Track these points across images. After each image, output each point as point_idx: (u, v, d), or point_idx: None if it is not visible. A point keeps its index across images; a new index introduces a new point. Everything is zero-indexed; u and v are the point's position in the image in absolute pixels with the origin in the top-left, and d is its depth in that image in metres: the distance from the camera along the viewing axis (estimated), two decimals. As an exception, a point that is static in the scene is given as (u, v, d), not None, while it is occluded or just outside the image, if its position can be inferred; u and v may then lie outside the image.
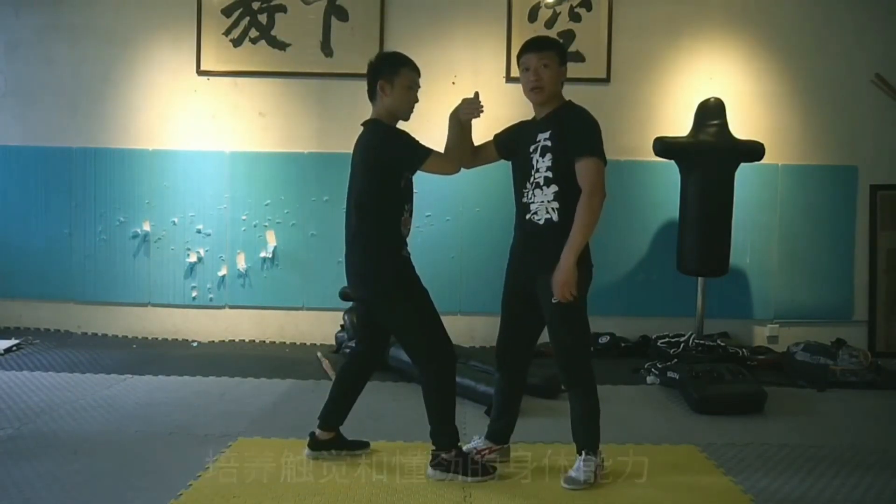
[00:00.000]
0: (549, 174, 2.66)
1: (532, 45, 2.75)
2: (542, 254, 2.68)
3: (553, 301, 2.64)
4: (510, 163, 2.88)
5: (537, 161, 2.69)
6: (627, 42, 5.19)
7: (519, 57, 2.79)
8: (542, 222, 2.69)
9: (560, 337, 2.72)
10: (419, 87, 2.85)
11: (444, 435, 2.76)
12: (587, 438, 2.74)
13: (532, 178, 2.71)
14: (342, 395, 2.97)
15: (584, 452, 2.72)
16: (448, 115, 2.83)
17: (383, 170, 2.73)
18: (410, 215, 2.82)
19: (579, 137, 2.64)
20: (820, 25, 5.20)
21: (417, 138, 2.80)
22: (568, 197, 2.64)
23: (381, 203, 2.75)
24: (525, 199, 2.75)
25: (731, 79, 5.18)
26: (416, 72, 2.83)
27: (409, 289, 2.76)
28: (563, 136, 2.66)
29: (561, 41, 2.81)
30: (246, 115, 5.26)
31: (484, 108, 2.78)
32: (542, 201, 2.69)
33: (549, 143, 2.67)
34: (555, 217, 2.67)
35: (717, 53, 5.21)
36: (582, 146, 2.62)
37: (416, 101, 2.85)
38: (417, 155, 2.72)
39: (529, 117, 2.88)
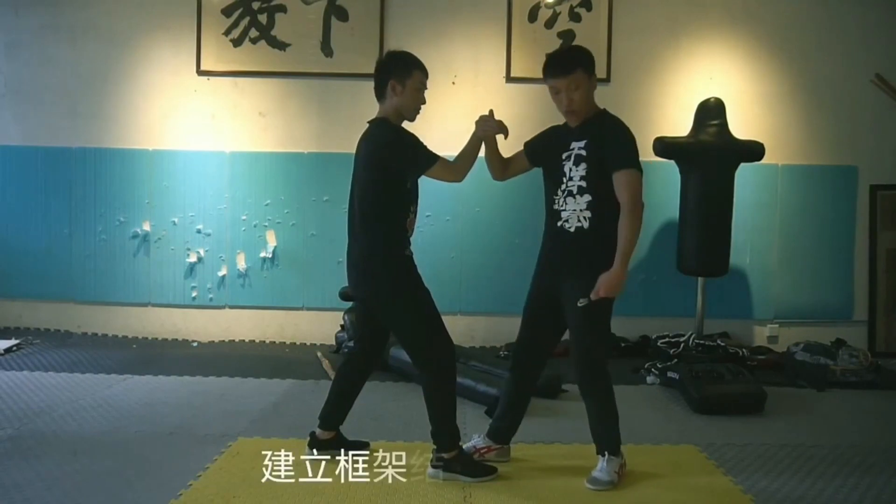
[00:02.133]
0: (583, 183, 2.65)
1: (558, 69, 2.67)
2: (572, 261, 2.68)
3: (579, 304, 2.65)
4: (541, 169, 2.85)
5: (570, 169, 2.68)
6: (627, 42, 5.19)
7: (545, 75, 2.73)
8: (572, 230, 2.69)
9: (581, 339, 2.72)
10: (427, 88, 2.84)
11: (444, 434, 2.76)
12: (608, 439, 2.75)
13: (564, 186, 2.70)
14: (341, 394, 2.97)
15: (606, 453, 2.73)
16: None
17: (390, 170, 2.73)
18: (415, 216, 2.83)
19: (618, 150, 2.62)
20: (820, 25, 5.20)
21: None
22: (601, 206, 2.64)
23: (386, 203, 2.75)
24: (556, 207, 2.74)
25: (731, 79, 5.18)
26: (426, 74, 2.82)
27: (412, 288, 2.75)
28: (600, 146, 2.64)
29: (583, 51, 2.76)
30: (246, 115, 5.26)
31: (504, 126, 2.81)
32: (574, 209, 2.68)
33: (583, 153, 2.66)
34: (586, 225, 2.66)
35: (717, 53, 5.21)
36: (621, 159, 2.61)
37: (424, 102, 2.84)
38: (423, 160, 2.72)
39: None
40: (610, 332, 2.77)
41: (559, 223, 2.73)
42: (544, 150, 2.82)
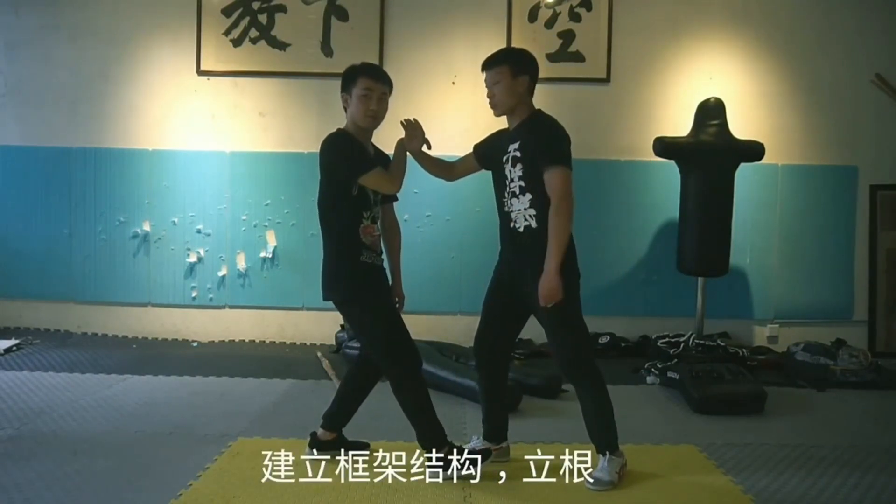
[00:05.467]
0: (522, 183, 2.71)
1: (485, 63, 2.80)
2: (528, 260, 2.72)
3: (548, 305, 2.66)
4: (491, 173, 2.90)
5: (510, 171, 2.75)
6: (627, 42, 5.19)
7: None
8: (522, 230, 2.74)
9: (559, 339, 2.74)
10: (382, 93, 2.80)
11: (427, 436, 2.77)
12: (606, 438, 2.76)
13: (508, 188, 2.77)
14: (349, 397, 2.98)
15: (608, 453, 2.74)
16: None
17: (330, 178, 2.77)
18: (373, 222, 2.81)
19: (544, 148, 2.67)
20: (820, 25, 5.20)
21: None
22: (543, 203, 2.69)
23: (335, 210, 2.77)
24: (506, 209, 2.80)
25: (731, 79, 5.18)
26: (375, 79, 2.79)
27: (368, 295, 2.76)
28: (531, 146, 2.69)
29: (516, 51, 2.88)
30: (246, 115, 5.26)
31: (428, 141, 2.88)
32: (520, 209, 2.74)
33: (518, 154, 2.72)
34: (533, 224, 2.71)
35: (717, 53, 5.21)
36: (547, 156, 2.65)
37: (376, 108, 2.79)
38: (351, 169, 2.72)
39: None
40: (585, 327, 2.76)
41: (511, 224, 2.78)
42: (490, 155, 2.88)
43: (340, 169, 2.74)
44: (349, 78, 2.81)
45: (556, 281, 2.59)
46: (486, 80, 2.79)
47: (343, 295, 2.79)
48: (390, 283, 2.94)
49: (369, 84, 2.78)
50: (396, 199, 2.99)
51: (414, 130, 2.88)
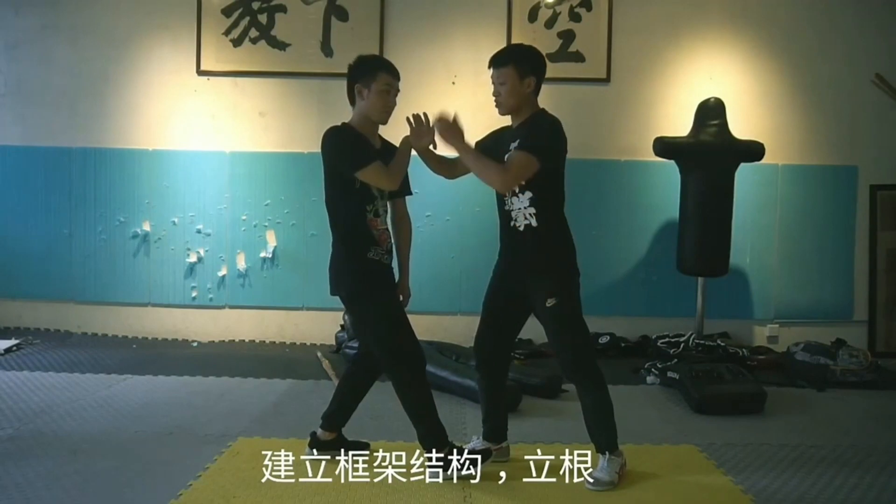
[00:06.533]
0: (523, 182, 2.69)
1: (492, 62, 2.77)
2: (528, 259, 2.73)
3: (547, 305, 2.67)
4: None
5: None
6: (627, 42, 5.19)
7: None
8: (522, 228, 2.74)
9: (560, 338, 2.74)
10: (398, 91, 2.81)
11: (428, 436, 2.76)
12: (606, 437, 2.76)
13: None
14: (347, 395, 2.98)
15: (607, 453, 2.74)
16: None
17: (332, 171, 2.76)
18: (377, 216, 2.78)
19: (528, 137, 2.67)
20: (820, 25, 5.20)
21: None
22: (543, 202, 2.69)
23: (340, 203, 2.77)
24: (507, 207, 2.79)
25: (731, 79, 5.18)
26: (394, 76, 2.79)
27: (373, 292, 2.75)
28: None
29: (524, 51, 2.85)
30: (246, 115, 5.26)
31: (435, 140, 2.81)
32: (520, 208, 2.73)
33: None
34: (534, 222, 2.71)
35: (717, 53, 5.21)
36: (528, 141, 2.65)
37: (393, 105, 2.80)
38: (349, 163, 2.69)
39: None
40: (586, 327, 2.77)
41: (511, 223, 2.77)
42: (492, 153, 2.85)
43: (340, 162, 2.73)
44: (368, 70, 2.77)
45: (451, 136, 2.67)
46: (492, 78, 2.76)
47: (348, 291, 2.78)
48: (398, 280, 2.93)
49: (390, 80, 2.77)
50: (410, 194, 2.98)
51: (421, 127, 2.82)
